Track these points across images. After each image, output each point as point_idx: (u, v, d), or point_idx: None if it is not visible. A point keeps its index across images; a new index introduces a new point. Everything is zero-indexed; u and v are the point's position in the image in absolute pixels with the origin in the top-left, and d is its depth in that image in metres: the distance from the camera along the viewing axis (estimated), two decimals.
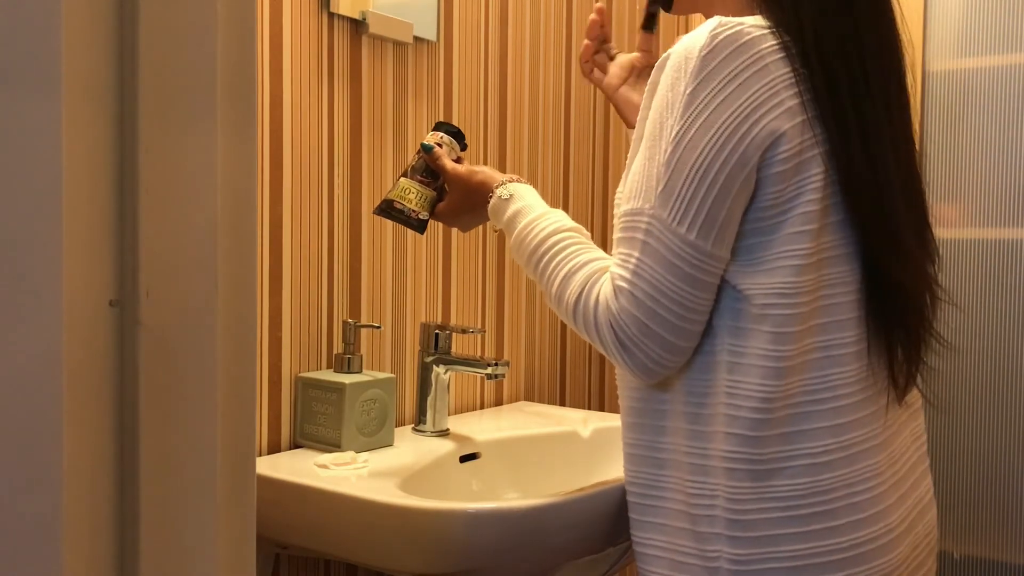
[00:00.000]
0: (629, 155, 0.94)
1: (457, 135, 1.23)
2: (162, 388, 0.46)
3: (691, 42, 0.87)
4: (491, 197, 1.10)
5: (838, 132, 0.87)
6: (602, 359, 1.94)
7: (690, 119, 0.85)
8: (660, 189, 0.86)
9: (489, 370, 1.33)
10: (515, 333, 1.70)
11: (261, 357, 1.27)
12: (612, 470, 1.34)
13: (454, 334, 1.41)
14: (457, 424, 1.46)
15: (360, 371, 1.33)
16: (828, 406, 0.89)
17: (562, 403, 1.82)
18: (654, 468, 0.95)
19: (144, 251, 0.45)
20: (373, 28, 1.37)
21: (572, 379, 1.85)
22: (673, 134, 0.86)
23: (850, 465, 0.89)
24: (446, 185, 1.20)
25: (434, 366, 1.39)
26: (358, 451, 1.26)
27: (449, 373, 1.39)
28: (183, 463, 0.47)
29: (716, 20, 0.87)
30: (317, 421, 1.29)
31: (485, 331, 1.62)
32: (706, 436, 0.90)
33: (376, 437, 1.30)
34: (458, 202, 1.17)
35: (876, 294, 0.91)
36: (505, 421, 1.54)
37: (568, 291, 0.95)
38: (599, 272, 0.94)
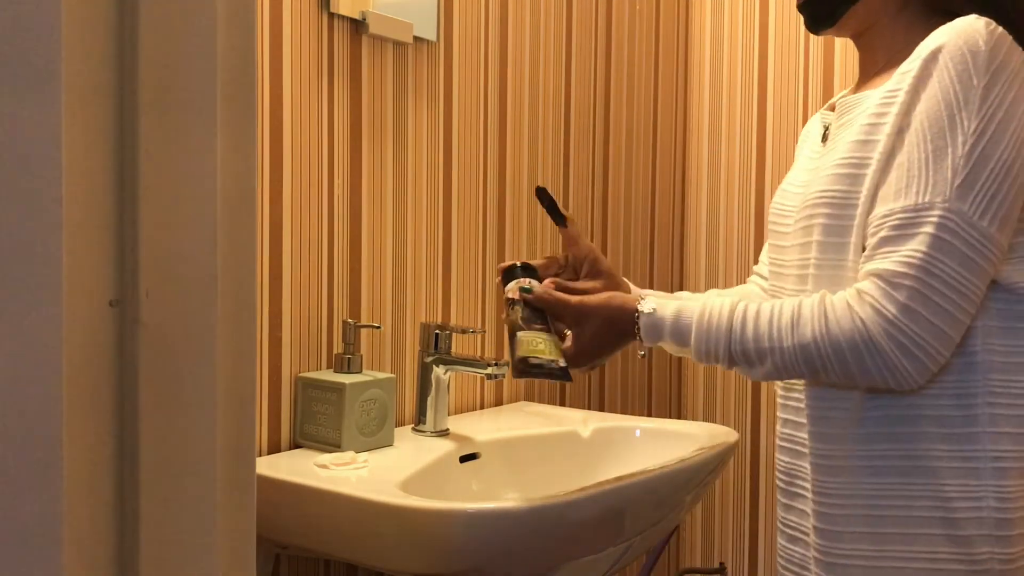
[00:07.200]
0: (877, 154, 0.90)
1: (533, 273, 1.08)
2: (162, 388, 0.46)
3: (966, 35, 0.87)
4: (639, 316, 0.98)
5: None
6: None
7: (989, 113, 0.85)
8: (958, 183, 0.85)
9: (489, 370, 1.33)
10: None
11: (261, 357, 1.27)
12: (612, 470, 1.34)
13: (454, 334, 1.41)
14: (457, 424, 1.46)
15: (360, 371, 1.33)
16: None
17: (562, 403, 1.82)
18: (898, 477, 0.92)
19: (144, 251, 0.45)
20: (373, 28, 1.37)
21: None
22: (973, 128, 0.85)
23: None
24: (565, 321, 1.03)
25: (434, 366, 1.39)
26: (358, 451, 1.26)
27: (449, 373, 1.39)
28: (183, 463, 0.47)
29: (977, 17, 0.88)
30: (317, 421, 1.29)
31: (485, 331, 1.62)
32: (970, 438, 0.90)
33: (376, 437, 1.30)
34: (602, 333, 1.00)
35: None
36: (505, 421, 1.54)
37: (803, 335, 0.89)
38: (820, 299, 0.90)
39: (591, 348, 1.01)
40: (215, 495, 0.48)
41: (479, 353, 1.62)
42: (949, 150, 0.86)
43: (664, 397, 2.14)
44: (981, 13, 0.89)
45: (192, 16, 0.47)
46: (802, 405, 1.01)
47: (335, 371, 1.32)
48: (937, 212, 0.85)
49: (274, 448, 1.29)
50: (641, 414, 2.04)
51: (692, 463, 1.27)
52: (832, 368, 0.89)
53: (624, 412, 1.97)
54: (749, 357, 0.92)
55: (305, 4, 1.30)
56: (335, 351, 1.36)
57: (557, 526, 1.06)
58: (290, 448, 1.31)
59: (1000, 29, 0.87)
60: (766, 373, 0.93)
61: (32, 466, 0.43)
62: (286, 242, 1.29)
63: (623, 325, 0.98)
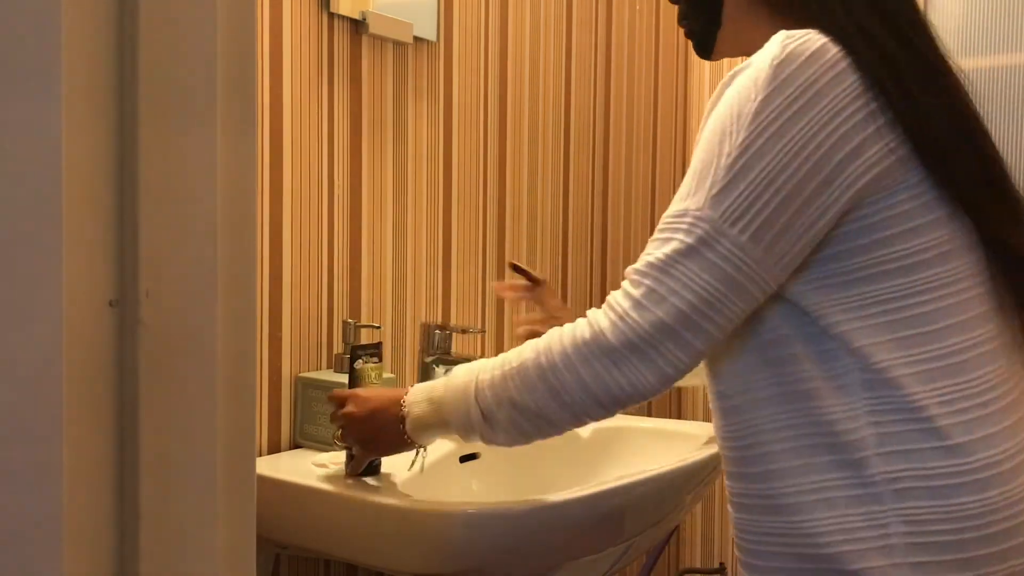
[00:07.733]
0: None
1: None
2: (162, 388, 0.46)
3: (763, 54, 0.86)
4: (404, 412, 1.03)
5: (916, 123, 0.86)
6: None
7: (760, 127, 0.84)
8: (714, 192, 0.84)
9: None
10: (515, 333, 1.70)
11: (261, 357, 1.27)
12: (612, 470, 1.34)
13: (454, 334, 1.41)
14: None
15: None
16: (997, 406, 0.86)
17: None
18: (800, 515, 0.87)
19: (144, 251, 0.45)
20: (373, 28, 1.37)
21: None
22: (739, 141, 0.84)
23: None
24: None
25: (434, 366, 1.39)
26: None
27: (449, 373, 1.39)
28: (183, 463, 0.47)
29: (784, 32, 0.86)
30: (317, 421, 1.29)
31: (485, 331, 1.62)
32: (862, 463, 0.85)
33: None
34: (369, 422, 1.06)
35: (1007, 275, 0.89)
36: None
37: (536, 345, 0.90)
38: (549, 332, 0.91)
39: (360, 437, 1.08)
40: (215, 495, 0.48)
41: (479, 353, 1.62)
42: (715, 161, 0.85)
43: (664, 397, 2.14)
44: (810, 23, 0.88)
45: (192, 16, 0.47)
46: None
47: (335, 371, 1.32)
48: (689, 219, 0.84)
49: (274, 448, 1.29)
50: (641, 414, 2.04)
51: (692, 463, 1.27)
52: (563, 377, 0.87)
53: (624, 412, 1.97)
54: (494, 385, 0.93)
55: (305, 4, 1.30)
56: (335, 351, 1.36)
57: (557, 526, 1.06)
58: (290, 448, 1.31)
59: (796, 44, 0.84)
60: (512, 405, 0.92)
61: (32, 466, 0.43)
62: (286, 242, 1.29)
63: (385, 421, 1.04)
